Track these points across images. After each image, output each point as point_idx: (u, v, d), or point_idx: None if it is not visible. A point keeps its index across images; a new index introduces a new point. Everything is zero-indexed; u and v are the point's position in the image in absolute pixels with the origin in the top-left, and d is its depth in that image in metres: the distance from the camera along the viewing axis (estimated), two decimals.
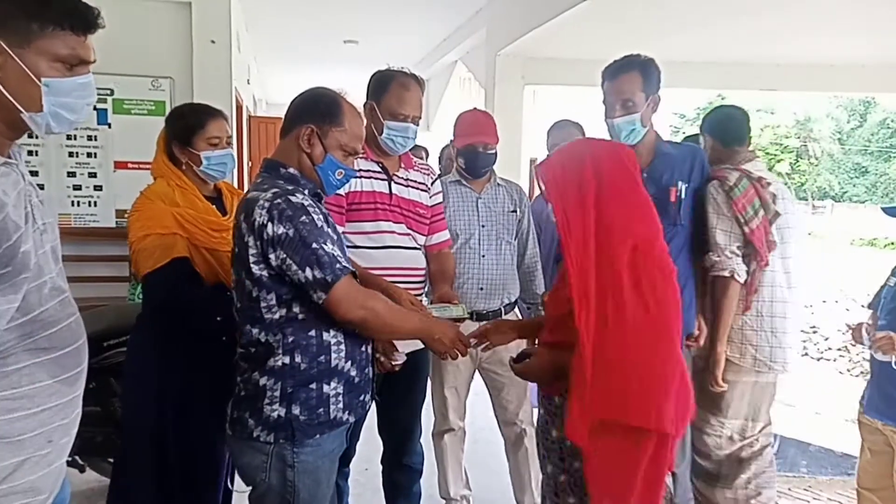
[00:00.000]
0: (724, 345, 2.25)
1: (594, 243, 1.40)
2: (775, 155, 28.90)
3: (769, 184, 2.26)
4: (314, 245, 1.41)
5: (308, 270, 1.41)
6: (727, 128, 2.44)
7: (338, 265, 1.43)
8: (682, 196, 2.18)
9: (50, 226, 1.16)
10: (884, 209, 2.22)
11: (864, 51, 5.58)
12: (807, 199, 31.38)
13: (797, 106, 28.90)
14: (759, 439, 2.37)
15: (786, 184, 2.55)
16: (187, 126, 1.96)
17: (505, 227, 2.54)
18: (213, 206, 2.01)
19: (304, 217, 1.43)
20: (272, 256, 1.42)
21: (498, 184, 2.59)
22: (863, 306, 2.71)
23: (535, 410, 2.56)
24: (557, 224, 1.47)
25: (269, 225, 1.41)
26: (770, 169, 3.77)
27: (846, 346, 7.74)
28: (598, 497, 1.42)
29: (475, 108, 2.65)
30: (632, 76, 2.09)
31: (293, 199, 1.44)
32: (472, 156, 2.47)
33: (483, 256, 2.49)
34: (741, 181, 2.21)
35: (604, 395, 1.36)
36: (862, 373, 6.67)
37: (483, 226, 2.51)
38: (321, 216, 1.49)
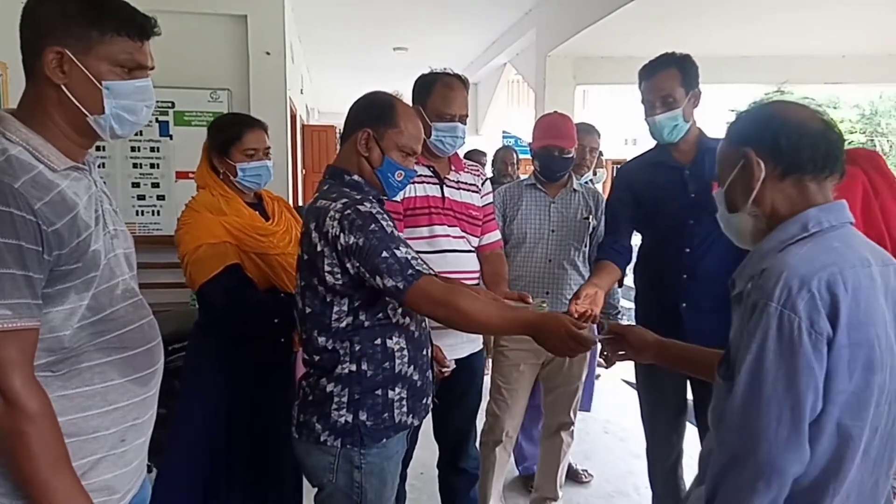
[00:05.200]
0: None
1: None
2: None
3: None
4: (384, 254, 1.40)
5: (379, 279, 1.41)
6: None
7: (409, 271, 1.40)
8: None
9: (122, 233, 1.21)
10: None
11: None
12: None
13: (863, 99, 27.47)
14: None
15: None
16: (225, 137, 2.00)
17: (575, 233, 2.51)
18: (256, 213, 2.04)
19: (373, 226, 1.42)
20: (349, 266, 1.44)
21: (574, 189, 2.56)
22: None
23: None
24: None
25: (342, 236, 1.42)
26: None
27: None
28: None
29: (555, 112, 2.60)
30: (670, 72, 2.08)
31: (362, 208, 1.44)
32: (546, 159, 2.46)
33: (550, 261, 2.47)
34: None
35: None
36: None
37: (553, 231, 2.49)
38: (390, 222, 1.49)
